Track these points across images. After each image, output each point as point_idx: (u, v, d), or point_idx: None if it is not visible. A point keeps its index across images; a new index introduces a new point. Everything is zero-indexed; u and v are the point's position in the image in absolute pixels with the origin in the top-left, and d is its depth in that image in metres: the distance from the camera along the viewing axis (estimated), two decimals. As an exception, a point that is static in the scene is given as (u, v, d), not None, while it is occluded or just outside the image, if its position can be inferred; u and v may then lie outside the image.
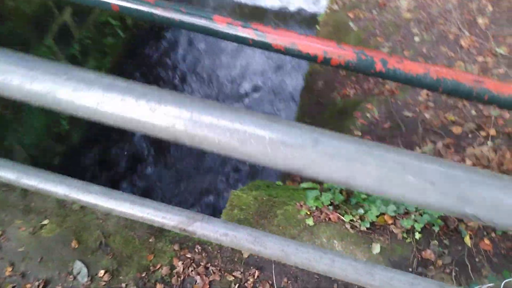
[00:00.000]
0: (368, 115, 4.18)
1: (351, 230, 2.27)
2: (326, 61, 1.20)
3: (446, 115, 3.93)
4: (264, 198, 2.42)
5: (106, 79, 0.79)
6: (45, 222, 2.21)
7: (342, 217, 2.31)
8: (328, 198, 2.37)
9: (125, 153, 5.65)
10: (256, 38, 1.27)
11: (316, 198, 2.42)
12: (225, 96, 5.99)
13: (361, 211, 2.34)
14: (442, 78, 1.26)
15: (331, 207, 2.35)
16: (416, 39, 4.75)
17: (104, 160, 5.60)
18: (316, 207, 2.35)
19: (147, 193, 5.30)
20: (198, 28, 1.34)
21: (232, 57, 6.36)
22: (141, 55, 6.55)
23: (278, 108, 5.80)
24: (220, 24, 1.32)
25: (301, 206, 2.38)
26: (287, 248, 1.44)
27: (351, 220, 2.29)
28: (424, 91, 4.15)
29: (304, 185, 3.26)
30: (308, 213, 2.33)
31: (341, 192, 2.52)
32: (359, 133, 4.06)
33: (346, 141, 0.73)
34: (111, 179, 5.47)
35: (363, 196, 2.57)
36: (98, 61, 5.69)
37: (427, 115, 3.98)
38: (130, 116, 0.77)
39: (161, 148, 5.57)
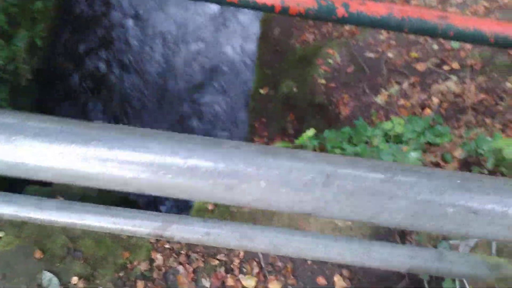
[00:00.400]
0: (330, 61, 4.01)
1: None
2: (284, 11, 1.10)
3: (409, 53, 3.83)
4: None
5: (32, 122, 0.57)
6: (0, 235, 1.98)
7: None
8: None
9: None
10: (205, -9, 1.13)
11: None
12: (173, 52, 5.61)
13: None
14: (407, 18, 1.12)
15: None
16: (371, -28, 4.50)
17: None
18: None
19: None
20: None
21: (179, 6, 5.89)
22: (78, 17, 5.94)
23: (238, 59, 5.51)
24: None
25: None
26: (276, 239, 1.31)
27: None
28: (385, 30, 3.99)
29: (276, 145, 3.14)
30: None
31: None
32: (323, 81, 3.91)
33: (368, 169, 0.57)
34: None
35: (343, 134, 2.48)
36: (29, 30, 5.09)
37: (390, 54, 3.86)
38: (74, 170, 0.57)
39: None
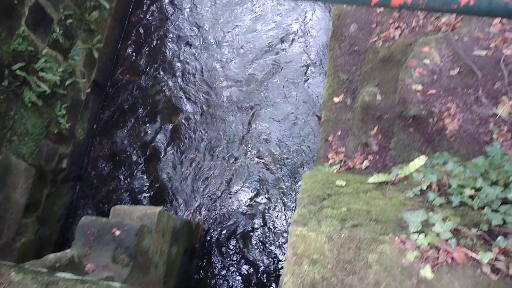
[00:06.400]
0: (426, 61, 3.13)
1: (492, 276, 1.38)
2: (384, 2, 0.89)
3: (535, 47, 2.86)
4: (344, 236, 1.53)
5: None
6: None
7: (474, 255, 1.42)
8: (448, 226, 1.46)
9: (138, 143, 4.78)
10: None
11: (424, 226, 1.51)
12: (240, 60, 4.94)
13: (501, 241, 1.44)
14: None
15: (453, 241, 1.46)
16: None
17: (115, 154, 4.77)
18: (429, 243, 1.46)
19: (164, 189, 4.48)
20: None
21: (246, 10, 5.22)
22: (136, 24, 5.47)
23: (305, 60, 4.73)
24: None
25: (403, 243, 1.49)
26: None
27: (492, 259, 1.40)
28: (498, 19, 3.06)
29: (372, 179, 2.35)
30: (418, 255, 1.44)
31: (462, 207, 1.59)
32: (419, 87, 3.05)
33: None
34: (127, 173, 4.66)
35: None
36: (85, 42, 4.67)
37: (508, 51, 2.92)
38: None
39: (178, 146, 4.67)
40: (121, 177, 4.56)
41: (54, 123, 4.31)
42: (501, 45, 2.97)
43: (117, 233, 2.95)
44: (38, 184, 4.23)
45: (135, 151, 4.69)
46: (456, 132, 2.80)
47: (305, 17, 4.89)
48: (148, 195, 4.42)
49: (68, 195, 4.67)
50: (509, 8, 0.82)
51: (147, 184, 4.49)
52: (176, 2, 5.40)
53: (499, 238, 1.44)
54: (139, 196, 4.43)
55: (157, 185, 4.49)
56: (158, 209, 3.48)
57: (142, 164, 4.59)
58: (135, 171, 4.58)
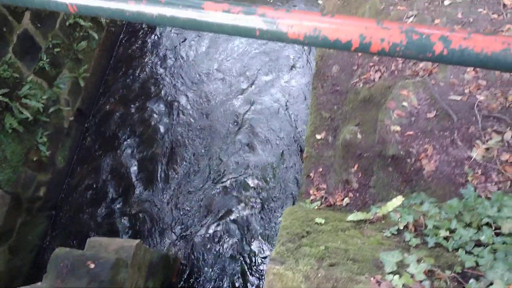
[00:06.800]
0: (404, 104, 3.25)
1: (466, 319, 1.39)
2: (363, 48, 0.89)
3: (506, 95, 3.01)
4: (320, 275, 1.53)
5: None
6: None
7: (447, 298, 1.43)
8: (422, 267, 1.48)
9: (118, 171, 4.73)
10: (264, 27, 0.93)
11: (399, 267, 1.53)
12: (219, 93, 5.03)
13: (473, 284, 1.46)
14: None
15: (427, 282, 1.47)
16: (446, 2, 3.77)
17: (95, 183, 4.69)
18: (403, 284, 1.47)
19: (143, 221, 4.40)
20: (184, 23, 0.99)
21: (225, 43, 5.36)
22: (123, 55, 5.54)
23: (287, 103, 4.84)
24: (213, 13, 0.95)
25: (378, 283, 1.49)
26: None
27: (464, 303, 1.41)
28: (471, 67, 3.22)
29: (351, 217, 2.37)
30: (394, 296, 1.45)
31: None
32: (397, 128, 3.15)
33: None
34: (105, 203, 4.57)
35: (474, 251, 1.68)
36: (72, 70, 4.69)
37: (481, 97, 3.06)
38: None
39: (152, 171, 4.65)
40: (100, 207, 4.47)
41: (34, 150, 4.25)
42: (475, 91, 3.11)
43: (92, 266, 2.86)
44: (13, 212, 4.11)
45: (115, 181, 4.63)
46: (433, 173, 2.87)
47: (289, 56, 5.05)
48: (126, 226, 4.33)
49: (44, 224, 4.54)
50: (480, 59, 0.87)
51: (126, 215, 4.40)
52: (164, 36, 5.52)
53: (471, 280, 1.46)
54: (117, 227, 4.34)
55: (135, 217, 4.40)
56: (135, 242, 3.40)
57: (121, 195, 4.51)
58: (114, 202, 4.50)
